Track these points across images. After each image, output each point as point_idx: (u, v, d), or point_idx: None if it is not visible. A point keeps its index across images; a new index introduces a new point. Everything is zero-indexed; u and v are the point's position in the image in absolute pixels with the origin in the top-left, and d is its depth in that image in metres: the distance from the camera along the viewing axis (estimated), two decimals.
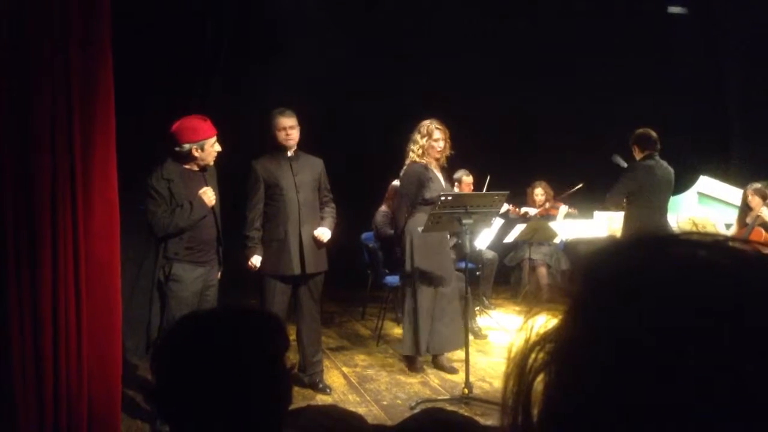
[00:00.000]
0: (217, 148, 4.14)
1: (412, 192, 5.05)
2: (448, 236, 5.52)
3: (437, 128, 5.04)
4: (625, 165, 5.83)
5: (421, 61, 7.71)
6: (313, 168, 4.76)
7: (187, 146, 4.03)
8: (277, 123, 4.60)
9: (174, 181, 4.02)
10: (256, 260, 4.57)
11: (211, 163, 4.17)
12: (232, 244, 4.56)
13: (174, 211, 3.97)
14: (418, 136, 5.07)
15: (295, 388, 4.62)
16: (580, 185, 7.04)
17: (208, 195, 4.08)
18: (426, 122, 5.07)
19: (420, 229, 4.84)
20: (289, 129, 4.59)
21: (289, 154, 4.65)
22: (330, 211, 4.84)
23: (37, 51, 3.06)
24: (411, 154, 5.09)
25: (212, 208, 4.15)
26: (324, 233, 4.69)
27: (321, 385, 4.81)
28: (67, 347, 3.14)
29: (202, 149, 4.06)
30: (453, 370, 5.20)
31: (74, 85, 3.14)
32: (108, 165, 3.33)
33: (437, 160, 5.11)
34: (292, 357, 4.85)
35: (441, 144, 5.03)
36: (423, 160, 5.05)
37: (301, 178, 4.66)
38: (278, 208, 4.61)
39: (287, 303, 4.73)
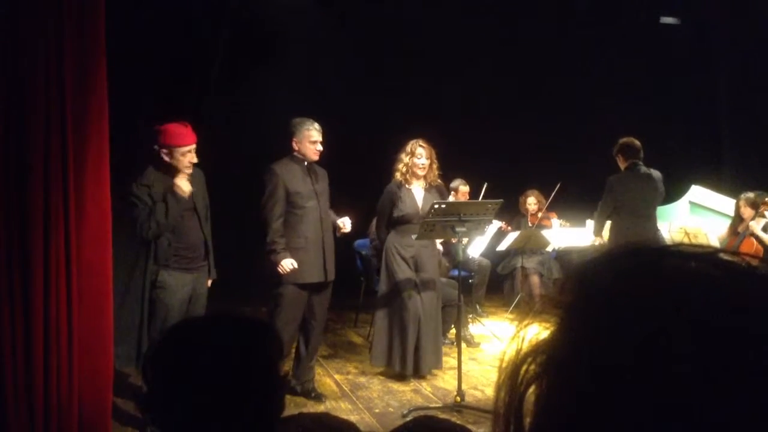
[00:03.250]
0: (192, 158, 4.05)
1: (384, 211, 5.19)
2: (439, 248, 5.55)
3: (421, 146, 5.12)
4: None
5: (420, 70, 7.73)
6: (325, 178, 4.82)
7: (156, 148, 4.00)
8: (309, 135, 4.62)
9: (153, 186, 3.98)
10: (288, 263, 4.49)
11: (184, 171, 4.05)
12: (223, 250, 4.54)
13: (152, 210, 3.92)
14: (402, 155, 5.17)
15: (287, 396, 4.61)
16: (558, 185, 7.03)
17: (181, 185, 3.99)
18: (411, 141, 5.16)
19: (414, 236, 4.87)
20: (320, 143, 4.65)
21: (306, 163, 4.68)
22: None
23: (31, 56, 3.05)
24: (395, 173, 5.18)
25: (196, 211, 4.12)
26: (347, 221, 4.78)
27: (314, 394, 4.80)
28: (58, 354, 3.12)
29: (171, 155, 4.00)
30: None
31: (68, 91, 3.13)
32: (101, 172, 3.32)
33: (424, 178, 5.16)
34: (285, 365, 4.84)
35: (424, 161, 5.10)
36: (404, 179, 5.13)
37: (319, 187, 4.71)
38: (300, 216, 4.61)
39: (303, 312, 4.72)
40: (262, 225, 4.58)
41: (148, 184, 3.99)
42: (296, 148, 4.64)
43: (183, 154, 4.01)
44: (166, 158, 4.00)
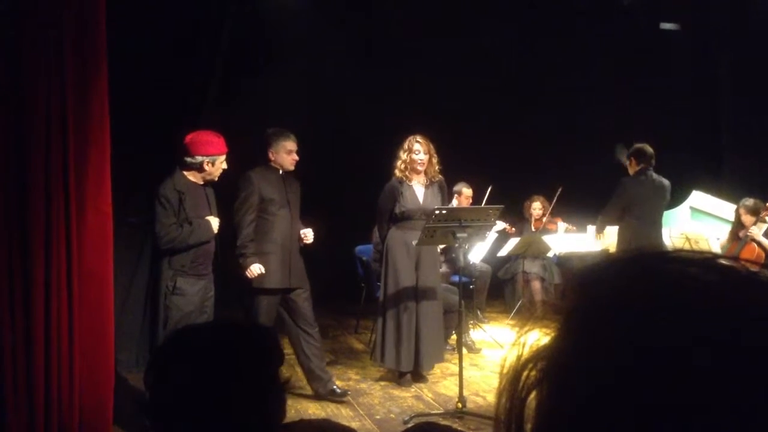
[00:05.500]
0: (225, 165, 4.21)
1: (386, 208, 5.18)
2: (439, 252, 5.55)
3: (417, 142, 5.11)
4: (626, 159, 5.96)
5: (420, 73, 7.74)
6: (298, 188, 4.88)
7: (199, 158, 4.11)
8: (285, 144, 4.69)
9: (185, 193, 4.08)
10: (256, 268, 4.54)
11: (216, 178, 4.24)
12: (225, 258, 4.55)
13: (182, 226, 4.02)
14: (400, 152, 5.17)
15: (291, 401, 4.59)
16: (560, 189, 7.06)
17: (215, 223, 4.18)
18: (408, 138, 5.16)
19: (414, 242, 4.87)
20: (295, 153, 4.72)
21: (281, 172, 4.74)
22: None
23: (32, 63, 3.06)
24: (395, 171, 5.18)
25: None
26: (310, 232, 4.82)
27: (339, 391, 4.83)
28: (59, 359, 3.12)
29: (213, 164, 4.14)
30: (425, 379, 5.32)
31: (69, 98, 3.14)
32: (102, 177, 3.33)
33: (425, 174, 5.15)
34: (300, 373, 4.85)
35: (422, 156, 5.08)
36: (404, 176, 5.12)
37: (292, 196, 4.77)
38: (272, 223, 4.66)
39: (275, 317, 4.76)
40: (234, 229, 4.62)
41: (181, 190, 4.07)
42: (272, 159, 4.71)
43: (221, 162, 4.18)
44: (208, 167, 4.13)
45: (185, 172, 4.15)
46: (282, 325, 4.80)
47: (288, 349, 5.09)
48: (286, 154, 4.69)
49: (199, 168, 4.14)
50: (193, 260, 4.08)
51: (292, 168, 4.74)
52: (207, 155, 4.10)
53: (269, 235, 4.65)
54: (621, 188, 5.74)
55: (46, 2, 3.08)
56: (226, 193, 4.59)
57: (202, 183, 4.21)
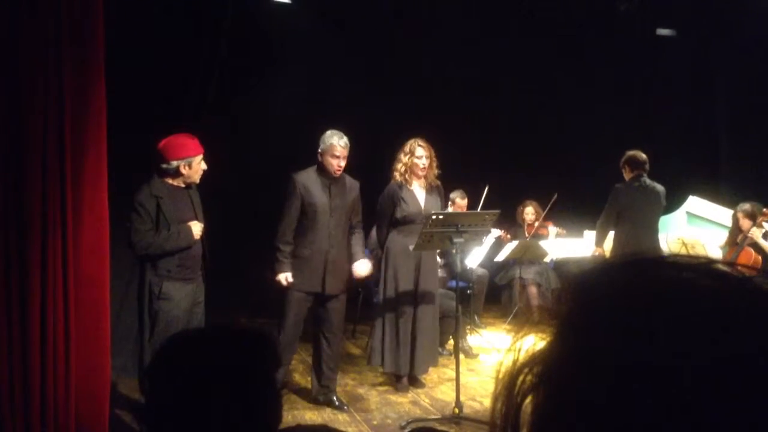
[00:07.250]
0: (204, 166, 4.12)
1: (386, 212, 5.13)
2: (438, 257, 5.54)
3: (420, 146, 5.07)
4: None
5: (419, 76, 7.75)
6: (350, 192, 4.80)
7: (174, 163, 4.01)
8: (331, 148, 4.60)
9: (163, 198, 4.00)
10: (283, 277, 4.58)
11: (197, 180, 4.15)
12: (221, 261, 4.54)
13: (160, 232, 3.94)
14: (401, 155, 5.13)
15: (293, 405, 4.59)
16: (555, 196, 7.08)
17: (196, 229, 4.08)
18: (410, 141, 5.12)
19: (411, 247, 4.86)
20: (342, 159, 4.61)
21: (329, 175, 4.67)
22: (358, 238, 4.90)
23: (30, 67, 3.06)
24: (395, 174, 5.13)
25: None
26: (362, 267, 4.80)
27: (338, 403, 4.80)
28: (54, 365, 3.11)
29: (190, 166, 4.05)
30: (422, 384, 5.32)
31: (66, 101, 3.14)
32: (99, 181, 3.32)
33: (424, 178, 5.12)
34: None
35: (424, 161, 5.05)
36: (404, 179, 5.08)
37: (337, 202, 4.70)
38: (308, 227, 4.64)
39: (304, 318, 4.76)
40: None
41: (158, 195, 4.00)
42: (320, 160, 4.66)
43: (198, 163, 4.09)
44: (185, 171, 4.05)
45: (165, 178, 4.06)
46: (318, 325, 4.81)
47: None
48: (331, 158, 4.60)
49: (175, 173, 4.04)
50: (179, 264, 4.01)
51: (335, 175, 4.65)
52: (182, 158, 4.01)
53: (304, 239, 4.64)
54: (614, 195, 5.85)
55: (44, 3, 3.08)
56: (215, 196, 4.56)
57: (183, 186, 4.12)
